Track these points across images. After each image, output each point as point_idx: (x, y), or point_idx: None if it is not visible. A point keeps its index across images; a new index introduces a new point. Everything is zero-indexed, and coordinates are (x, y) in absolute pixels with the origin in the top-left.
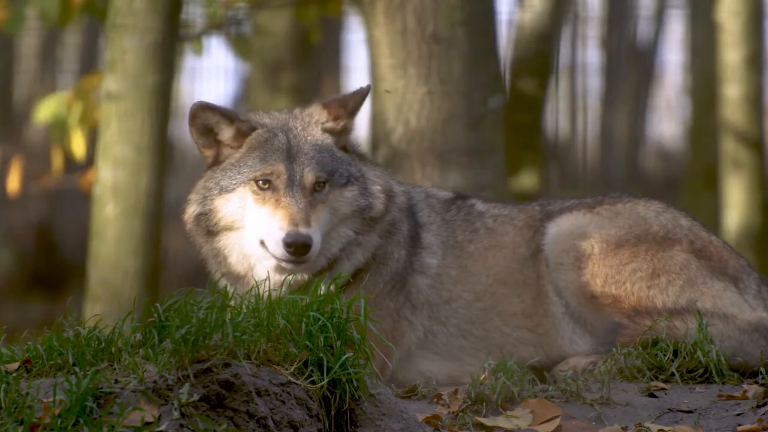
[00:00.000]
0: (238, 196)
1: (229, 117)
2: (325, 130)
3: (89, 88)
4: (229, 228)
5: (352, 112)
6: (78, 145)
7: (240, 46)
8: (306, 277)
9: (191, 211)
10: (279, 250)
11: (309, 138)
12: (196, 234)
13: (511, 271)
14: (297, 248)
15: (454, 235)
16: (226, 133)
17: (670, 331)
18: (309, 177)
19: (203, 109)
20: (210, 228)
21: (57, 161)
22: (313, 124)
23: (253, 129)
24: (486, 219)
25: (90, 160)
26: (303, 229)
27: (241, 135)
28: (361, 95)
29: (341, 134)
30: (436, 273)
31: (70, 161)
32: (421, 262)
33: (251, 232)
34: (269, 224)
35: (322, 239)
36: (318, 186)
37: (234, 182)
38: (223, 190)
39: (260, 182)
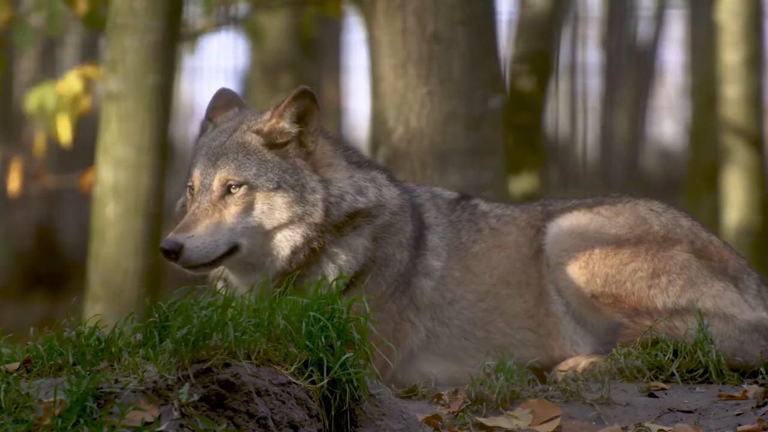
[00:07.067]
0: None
1: (206, 112)
2: (260, 133)
3: (82, 76)
4: None
5: (292, 116)
6: (64, 131)
7: (253, 28)
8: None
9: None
10: None
11: (240, 141)
12: None
13: (514, 271)
14: (165, 252)
15: (459, 235)
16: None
17: (670, 331)
18: (216, 181)
19: (217, 96)
20: None
21: (39, 143)
22: (253, 127)
23: (205, 128)
24: (489, 219)
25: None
26: (180, 235)
27: (201, 132)
28: (294, 97)
29: (272, 136)
30: (441, 275)
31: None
32: (425, 264)
33: None
34: None
35: (247, 240)
36: (232, 188)
37: (186, 182)
38: (185, 187)
39: (190, 188)
